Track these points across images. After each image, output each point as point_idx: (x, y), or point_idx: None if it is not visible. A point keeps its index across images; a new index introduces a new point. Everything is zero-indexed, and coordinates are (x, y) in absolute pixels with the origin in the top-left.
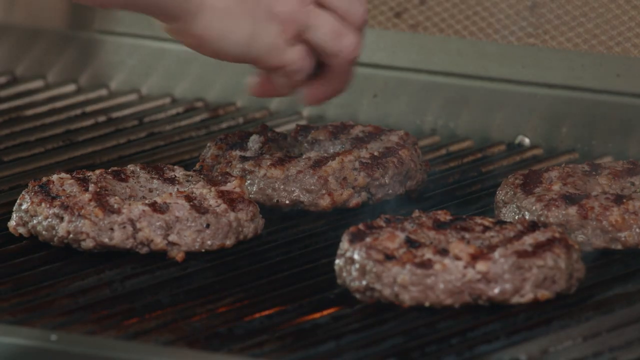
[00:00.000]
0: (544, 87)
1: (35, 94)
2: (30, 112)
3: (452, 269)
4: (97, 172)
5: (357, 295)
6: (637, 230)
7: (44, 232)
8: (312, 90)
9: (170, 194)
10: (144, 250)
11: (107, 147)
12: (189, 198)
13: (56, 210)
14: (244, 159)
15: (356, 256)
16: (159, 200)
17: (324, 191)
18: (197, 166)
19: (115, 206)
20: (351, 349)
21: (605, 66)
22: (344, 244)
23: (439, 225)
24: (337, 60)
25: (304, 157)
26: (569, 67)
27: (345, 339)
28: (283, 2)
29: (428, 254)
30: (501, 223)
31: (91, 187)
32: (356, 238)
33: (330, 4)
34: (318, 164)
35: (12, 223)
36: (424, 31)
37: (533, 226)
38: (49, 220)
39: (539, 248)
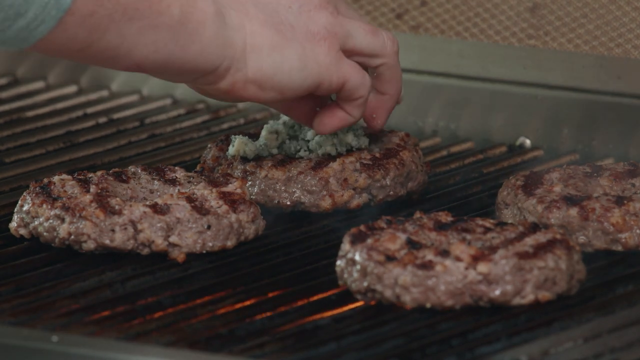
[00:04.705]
0: (545, 88)
1: (36, 95)
2: (31, 113)
3: (453, 270)
4: (98, 173)
5: (358, 297)
6: (638, 231)
7: (45, 234)
8: (374, 105)
9: (171, 195)
10: (145, 251)
11: (108, 149)
12: (190, 199)
13: (57, 211)
14: (244, 160)
15: (357, 257)
16: (160, 201)
17: (325, 192)
18: (198, 167)
19: (116, 207)
20: (352, 350)
21: (606, 67)
22: (345, 246)
23: (440, 227)
24: (385, 56)
25: (304, 158)
26: (569, 69)
27: (347, 340)
28: (316, 18)
29: (429, 255)
30: (502, 224)
31: (92, 189)
32: (357, 239)
33: (346, 13)
34: (319, 165)
35: (13, 224)
36: (425, 32)
37: (534, 227)
38: (50, 221)
39: (540, 249)
